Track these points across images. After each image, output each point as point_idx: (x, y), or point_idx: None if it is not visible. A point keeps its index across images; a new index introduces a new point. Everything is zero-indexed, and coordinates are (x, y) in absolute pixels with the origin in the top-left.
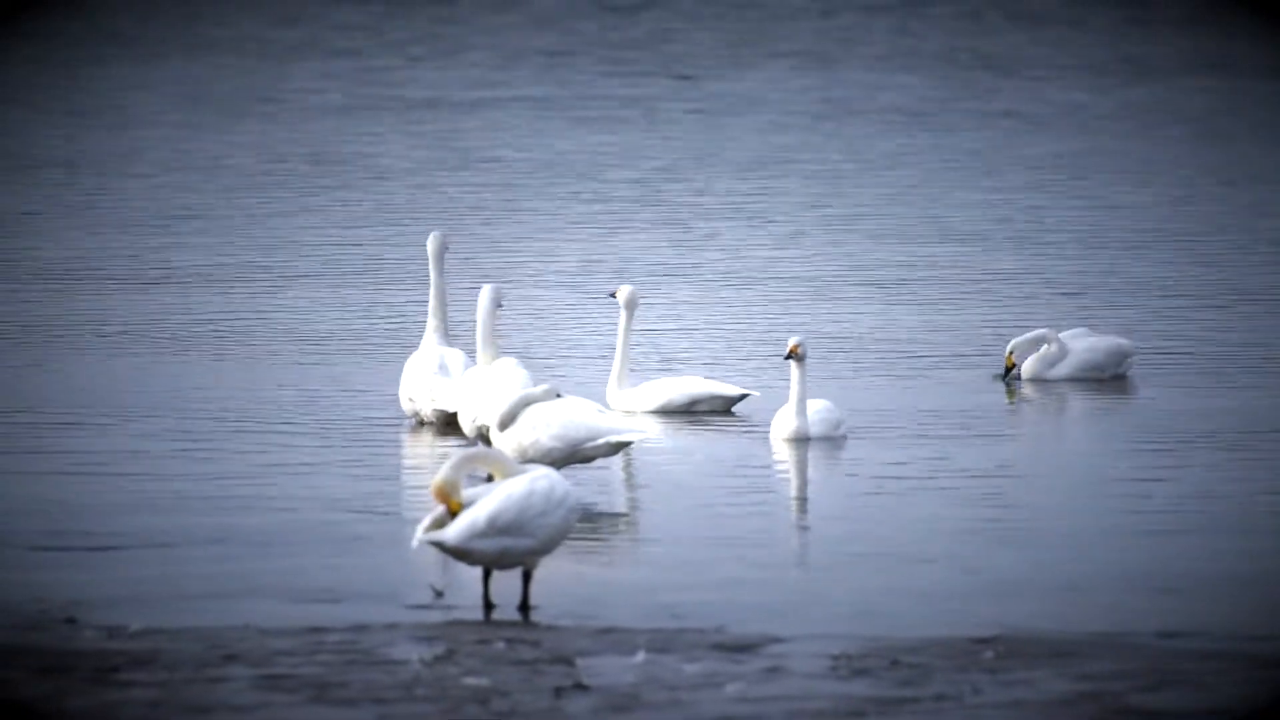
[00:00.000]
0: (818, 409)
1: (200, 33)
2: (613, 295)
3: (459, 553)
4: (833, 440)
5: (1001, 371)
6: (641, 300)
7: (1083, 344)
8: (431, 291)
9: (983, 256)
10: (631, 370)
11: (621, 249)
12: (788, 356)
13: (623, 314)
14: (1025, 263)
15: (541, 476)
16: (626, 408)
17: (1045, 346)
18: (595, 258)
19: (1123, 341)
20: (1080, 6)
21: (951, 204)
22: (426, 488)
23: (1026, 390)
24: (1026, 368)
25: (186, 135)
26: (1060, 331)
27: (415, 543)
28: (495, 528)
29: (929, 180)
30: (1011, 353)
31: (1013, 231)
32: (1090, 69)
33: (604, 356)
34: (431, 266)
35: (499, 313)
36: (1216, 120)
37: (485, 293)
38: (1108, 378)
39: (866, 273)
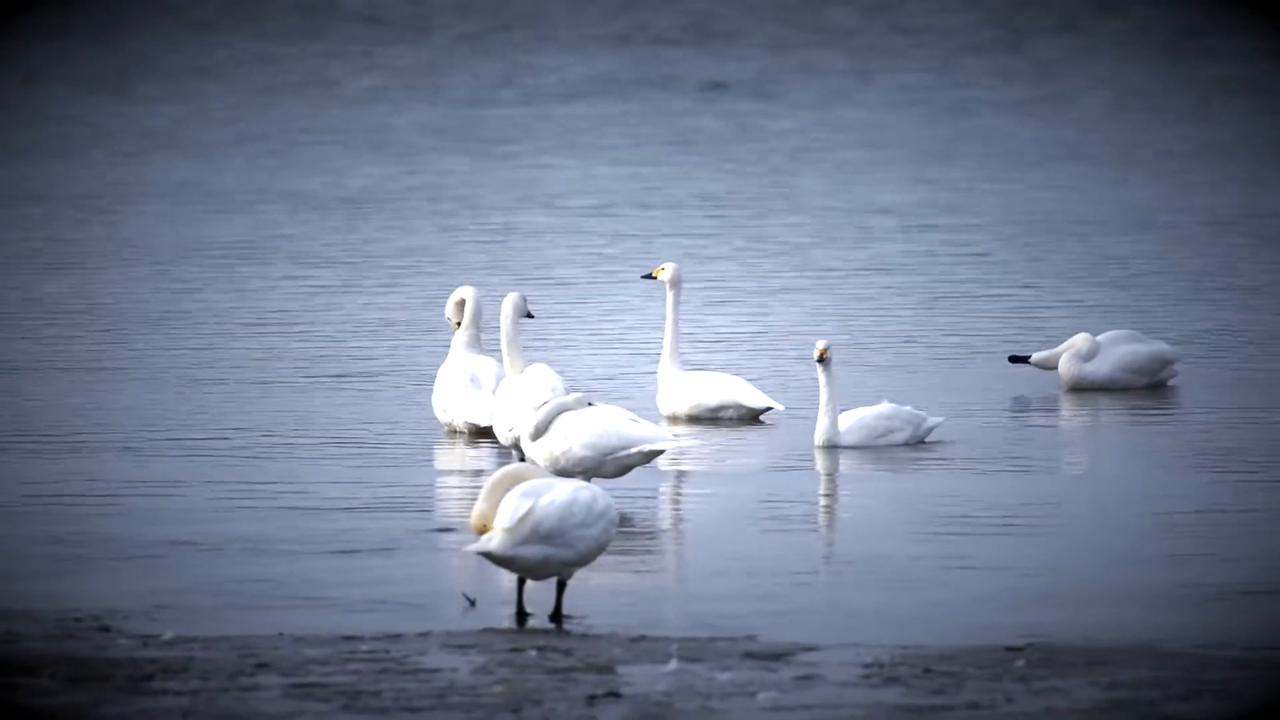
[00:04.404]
0: (862, 416)
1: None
2: (650, 276)
3: (504, 560)
4: (874, 449)
5: (1018, 355)
6: (686, 279)
7: (1123, 348)
8: (466, 319)
9: (1041, 254)
10: (683, 351)
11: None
12: (819, 360)
13: (669, 293)
14: (1082, 263)
15: (584, 488)
16: (678, 390)
17: (1077, 348)
18: (628, 255)
19: (1165, 348)
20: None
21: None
22: (457, 491)
23: (1061, 398)
24: (1063, 368)
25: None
26: (1105, 333)
27: (465, 549)
28: (537, 535)
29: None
30: (1029, 357)
31: (1074, 229)
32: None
33: (637, 353)
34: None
35: (525, 322)
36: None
37: (509, 302)
38: (1145, 385)
39: (906, 272)
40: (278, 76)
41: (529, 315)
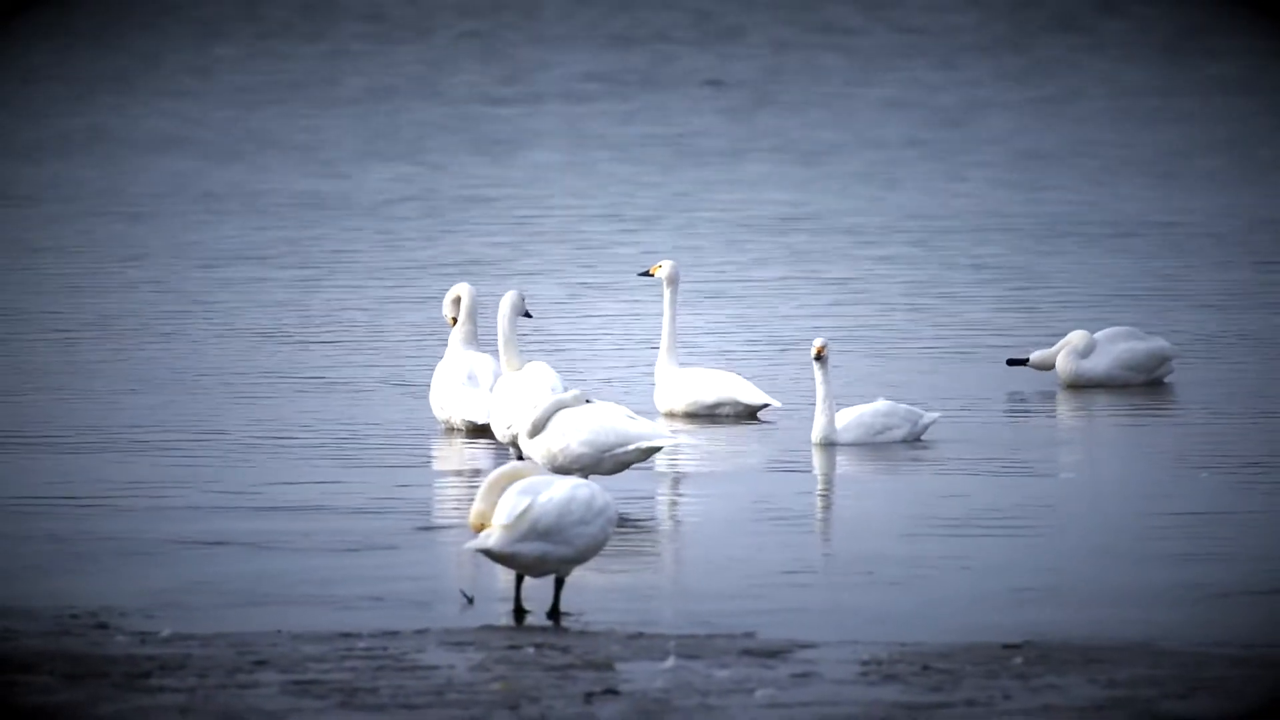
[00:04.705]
0: (860, 413)
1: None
2: (646, 274)
3: (502, 557)
4: (871, 447)
5: (1016, 358)
6: (683, 278)
7: (1122, 345)
8: (462, 315)
9: (1036, 255)
10: (681, 348)
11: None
12: (816, 358)
13: (666, 290)
14: (1080, 262)
15: (582, 485)
16: (675, 387)
17: (1073, 344)
18: (626, 254)
19: (1164, 345)
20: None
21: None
22: (455, 488)
23: (1059, 396)
24: (1061, 365)
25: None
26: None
27: (466, 548)
28: (536, 532)
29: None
30: (1028, 359)
31: (1061, 229)
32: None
33: (633, 349)
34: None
35: (522, 320)
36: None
37: (506, 300)
38: (1143, 382)
39: (904, 269)
40: (277, 76)
41: (527, 314)
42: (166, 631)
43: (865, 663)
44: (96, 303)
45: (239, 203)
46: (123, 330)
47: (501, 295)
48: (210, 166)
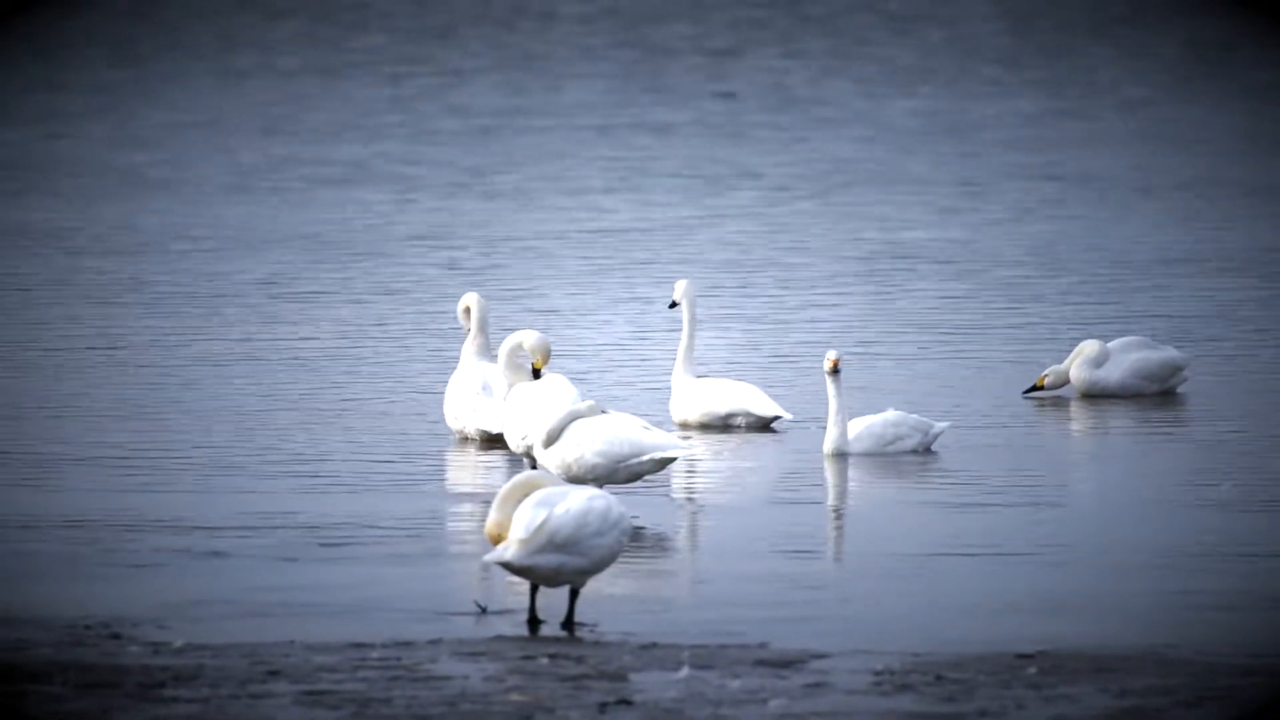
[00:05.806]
0: (870, 424)
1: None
2: (674, 305)
3: (520, 570)
4: (882, 457)
5: (1030, 386)
6: (699, 294)
7: (1135, 354)
8: (473, 327)
9: (1050, 270)
10: (698, 361)
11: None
12: (831, 372)
13: (684, 307)
14: (1094, 279)
15: (599, 496)
16: (689, 398)
17: (1087, 354)
18: (646, 266)
19: (1176, 354)
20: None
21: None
22: (469, 498)
23: (1072, 405)
24: (1075, 375)
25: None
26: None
27: (484, 560)
28: (553, 544)
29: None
30: (1046, 376)
31: (1086, 247)
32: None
33: (650, 362)
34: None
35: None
36: None
37: (507, 342)
38: (1156, 392)
39: (912, 280)
40: (285, 89)
41: (536, 375)
42: (179, 642)
43: (878, 673)
44: (104, 322)
45: (252, 225)
46: (131, 350)
47: (511, 300)
48: (219, 181)
